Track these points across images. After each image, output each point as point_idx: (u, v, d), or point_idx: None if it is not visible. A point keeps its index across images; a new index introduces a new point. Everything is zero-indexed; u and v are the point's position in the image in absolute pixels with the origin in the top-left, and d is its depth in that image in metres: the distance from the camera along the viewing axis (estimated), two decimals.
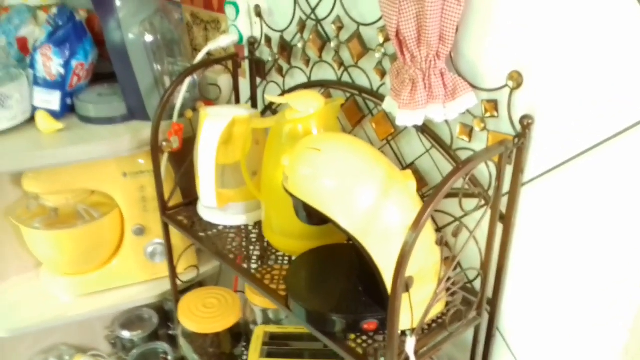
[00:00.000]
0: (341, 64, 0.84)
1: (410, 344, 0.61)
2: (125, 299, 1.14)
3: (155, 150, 0.92)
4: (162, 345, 1.28)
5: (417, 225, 0.55)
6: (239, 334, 1.07)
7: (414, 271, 0.62)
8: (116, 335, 1.33)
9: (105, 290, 1.14)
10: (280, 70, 0.95)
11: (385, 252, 0.63)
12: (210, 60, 0.98)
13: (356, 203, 0.63)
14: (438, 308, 0.70)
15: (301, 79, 0.92)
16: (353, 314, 0.68)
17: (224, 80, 1.06)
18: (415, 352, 0.63)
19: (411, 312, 0.62)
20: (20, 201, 1.11)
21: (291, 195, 0.67)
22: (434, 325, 0.70)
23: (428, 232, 0.65)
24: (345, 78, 0.84)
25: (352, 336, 0.69)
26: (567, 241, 0.65)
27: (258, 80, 1.01)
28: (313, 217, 0.68)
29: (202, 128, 0.85)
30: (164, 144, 0.95)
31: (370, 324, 0.67)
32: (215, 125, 0.83)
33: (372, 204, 0.63)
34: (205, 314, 1.02)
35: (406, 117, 0.67)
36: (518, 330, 0.75)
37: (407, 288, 0.59)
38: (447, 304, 0.70)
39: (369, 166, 0.65)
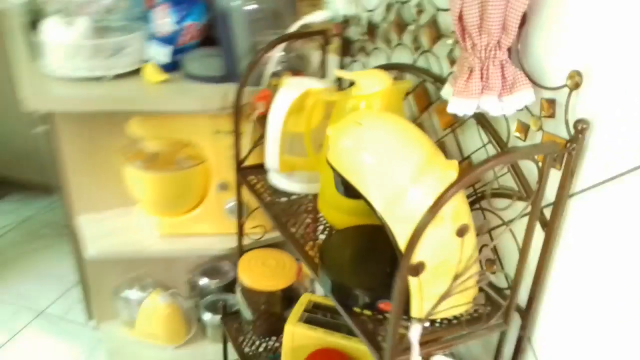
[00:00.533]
0: (418, 48, 0.83)
1: (415, 331, 0.61)
2: (203, 245, 1.24)
3: (237, 111, 0.99)
4: (233, 297, 1.36)
5: (435, 207, 0.54)
6: (293, 298, 1.11)
7: (434, 261, 0.61)
8: (195, 280, 1.45)
9: (186, 235, 1.24)
10: (365, 50, 0.96)
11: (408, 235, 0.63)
12: (300, 34, 1.01)
13: (388, 181, 0.64)
14: (464, 305, 0.68)
15: (382, 60, 0.93)
16: (372, 292, 0.69)
17: (316, 56, 1.09)
18: (423, 343, 0.62)
19: (421, 299, 0.61)
20: (125, 143, 1.24)
21: (331, 166, 0.69)
22: (454, 321, 0.69)
23: (457, 225, 0.63)
24: (422, 63, 0.84)
25: (369, 313, 0.70)
26: (618, 261, 0.60)
27: (347, 58, 1.03)
28: (349, 190, 0.69)
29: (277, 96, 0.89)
30: (249, 107, 1.01)
31: (386, 304, 0.68)
32: (287, 94, 0.87)
33: (403, 185, 0.63)
34: (261, 273, 1.07)
35: (458, 104, 0.65)
36: (552, 347, 0.70)
37: (416, 272, 0.59)
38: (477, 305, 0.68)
39: (408, 148, 0.64)
